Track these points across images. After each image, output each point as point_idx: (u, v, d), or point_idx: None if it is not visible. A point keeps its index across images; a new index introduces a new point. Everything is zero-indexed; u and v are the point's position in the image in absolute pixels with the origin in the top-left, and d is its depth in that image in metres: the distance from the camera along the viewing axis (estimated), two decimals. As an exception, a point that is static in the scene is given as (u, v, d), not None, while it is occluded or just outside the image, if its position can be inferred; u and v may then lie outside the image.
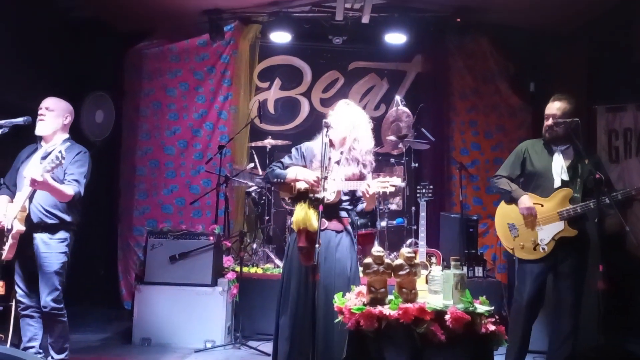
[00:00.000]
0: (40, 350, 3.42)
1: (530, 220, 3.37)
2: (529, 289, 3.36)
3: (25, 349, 3.35)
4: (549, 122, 3.41)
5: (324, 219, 3.07)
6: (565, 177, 3.37)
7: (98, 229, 5.67)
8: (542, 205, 3.38)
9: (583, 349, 3.36)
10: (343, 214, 3.22)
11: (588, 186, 3.35)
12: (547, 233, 3.33)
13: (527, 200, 3.38)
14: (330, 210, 3.12)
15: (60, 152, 3.06)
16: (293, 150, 3.35)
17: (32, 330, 3.40)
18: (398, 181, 2.90)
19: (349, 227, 3.23)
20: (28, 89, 4.46)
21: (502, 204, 3.56)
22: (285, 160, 3.31)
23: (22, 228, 3.22)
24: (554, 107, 3.41)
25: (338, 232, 3.15)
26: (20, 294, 3.37)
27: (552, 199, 3.37)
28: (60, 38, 5.31)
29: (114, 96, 5.77)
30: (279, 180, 3.24)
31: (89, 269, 5.53)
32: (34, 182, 3.09)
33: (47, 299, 3.27)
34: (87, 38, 5.56)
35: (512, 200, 3.46)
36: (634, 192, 3.27)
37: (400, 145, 5.35)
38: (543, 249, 3.33)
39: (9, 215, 3.22)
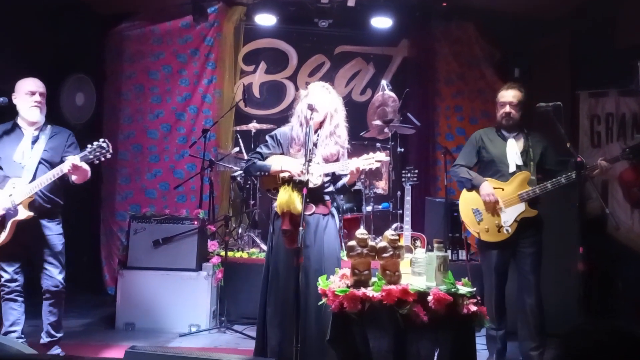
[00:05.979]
0: (22, 335, 3.39)
1: (492, 205, 3.47)
2: (496, 265, 3.48)
3: (7, 333, 3.31)
4: (506, 109, 3.52)
5: (311, 204, 3.10)
6: (519, 162, 3.50)
7: (80, 214, 5.55)
8: (502, 189, 3.49)
9: (563, 330, 3.42)
10: (326, 197, 3.23)
11: (546, 167, 3.50)
12: (510, 215, 3.45)
13: (487, 186, 3.50)
14: (316, 194, 3.12)
15: (105, 141, 3.19)
16: (268, 138, 3.30)
17: (15, 314, 3.37)
18: (382, 156, 2.94)
19: (333, 210, 3.26)
20: (4, 71, 4.29)
21: (465, 191, 3.65)
22: (263, 150, 3.26)
23: (30, 214, 3.24)
24: (510, 94, 3.52)
25: (325, 215, 3.18)
26: (5, 278, 3.35)
27: (512, 183, 3.49)
28: (39, 19, 5.12)
29: (94, 79, 5.65)
30: (262, 172, 3.20)
31: (72, 254, 5.35)
32: (75, 168, 3.20)
33: (59, 277, 3.40)
34: (67, 19, 5.37)
35: (473, 187, 3.57)
36: (587, 172, 3.31)
37: (386, 129, 5.34)
38: (507, 230, 3.44)
39: (16, 201, 3.21)
